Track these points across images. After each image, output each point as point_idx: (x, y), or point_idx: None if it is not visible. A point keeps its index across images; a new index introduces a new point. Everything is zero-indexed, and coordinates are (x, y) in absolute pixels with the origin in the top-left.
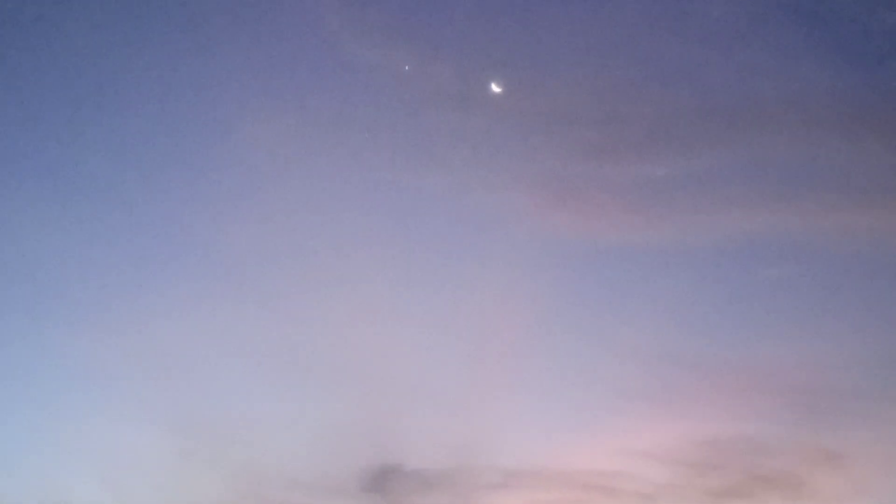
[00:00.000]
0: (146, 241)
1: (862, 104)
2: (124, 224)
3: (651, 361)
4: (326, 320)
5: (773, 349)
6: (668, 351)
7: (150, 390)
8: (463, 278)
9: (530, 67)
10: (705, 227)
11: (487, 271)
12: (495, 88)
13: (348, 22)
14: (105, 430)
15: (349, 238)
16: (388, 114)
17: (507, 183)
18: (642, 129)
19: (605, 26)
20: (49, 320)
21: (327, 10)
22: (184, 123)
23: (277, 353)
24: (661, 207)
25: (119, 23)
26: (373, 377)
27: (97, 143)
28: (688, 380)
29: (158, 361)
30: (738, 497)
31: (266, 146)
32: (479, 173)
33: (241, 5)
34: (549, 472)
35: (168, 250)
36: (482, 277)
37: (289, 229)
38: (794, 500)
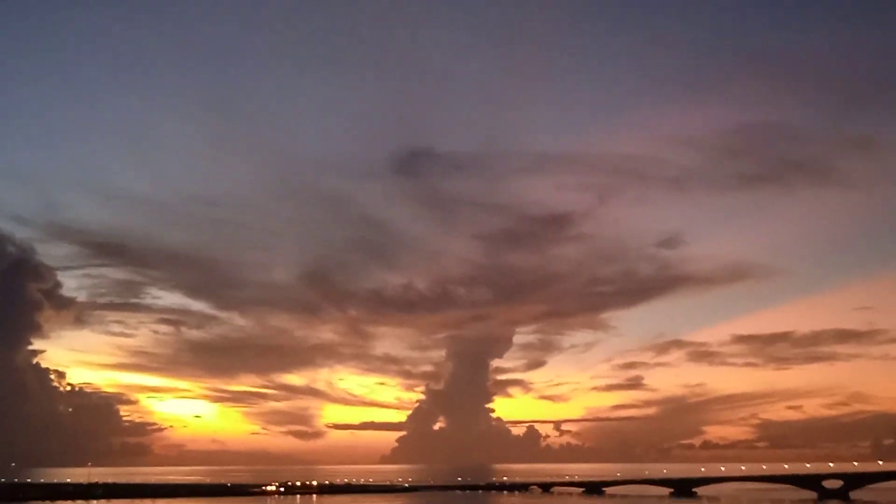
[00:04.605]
0: None
1: None
2: None
3: (683, 47)
4: (359, 5)
5: (809, 36)
6: (700, 36)
7: (184, 75)
8: None
9: None
10: None
11: None
12: None
13: None
14: (141, 113)
15: None
16: None
17: None
18: None
19: None
20: (87, 5)
21: None
22: None
23: (309, 36)
24: None
25: None
26: (404, 62)
27: None
28: (720, 66)
29: (192, 47)
30: (768, 182)
31: None
32: None
33: None
34: (579, 157)
35: None
36: None
37: None
38: (823, 185)
